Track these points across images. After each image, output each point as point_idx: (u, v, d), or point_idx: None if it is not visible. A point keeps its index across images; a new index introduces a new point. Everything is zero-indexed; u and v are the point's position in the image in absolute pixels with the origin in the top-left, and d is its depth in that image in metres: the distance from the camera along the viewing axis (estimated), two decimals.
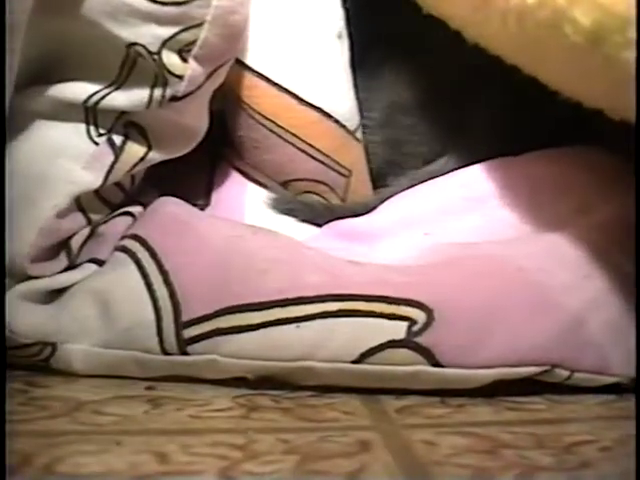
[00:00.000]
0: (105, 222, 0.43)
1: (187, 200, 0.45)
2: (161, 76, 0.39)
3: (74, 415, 0.34)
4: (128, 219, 0.43)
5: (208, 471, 0.28)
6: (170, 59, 0.39)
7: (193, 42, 0.38)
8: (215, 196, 0.49)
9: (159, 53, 0.38)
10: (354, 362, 0.37)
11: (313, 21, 0.47)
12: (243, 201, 0.49)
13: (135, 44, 0.38)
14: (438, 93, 0.50)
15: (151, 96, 0.40)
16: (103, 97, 0.40)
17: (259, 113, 0.46)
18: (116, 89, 0.40)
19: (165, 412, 0.34)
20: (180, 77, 0.39)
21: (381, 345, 0.36)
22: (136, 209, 0.44)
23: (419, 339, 0.36)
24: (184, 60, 0.39)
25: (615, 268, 0.39)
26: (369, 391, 0.37)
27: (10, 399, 0.36)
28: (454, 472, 0.28)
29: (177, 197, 0.45)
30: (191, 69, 0.39)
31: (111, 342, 0.39)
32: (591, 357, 0.37)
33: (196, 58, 0.39)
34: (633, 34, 0.30)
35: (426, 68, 0.49)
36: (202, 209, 0.48)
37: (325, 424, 0.33)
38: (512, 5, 0.35)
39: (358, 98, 0.49)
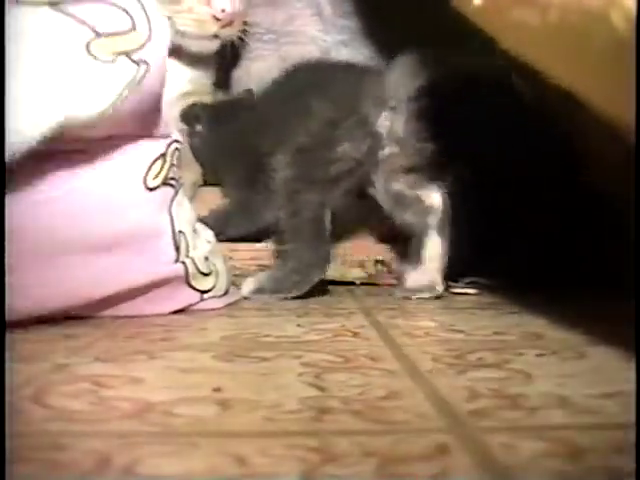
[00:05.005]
0: None
1: None
2: None
3: (145, 416, 0.34)
4: None
5: (290, 473, 0.27)
6: None
7: None
8: None
9: None
10: None
11: None
12: None
13: None
14: None
15: None
16: None
17: None
18: None
19: (237, 414, 0.34)
20: None
21: None
22: None
23: None
24: None
25: None
26: (438, 395, 0.37)
27: (78, 399, 0.36)
28: (540, 476, 0.27)
29: None
30: None
31: None
32: None
33: None
34: None
35: None
36: None
37: (398, 426, 0.33)
38: None
39: None
